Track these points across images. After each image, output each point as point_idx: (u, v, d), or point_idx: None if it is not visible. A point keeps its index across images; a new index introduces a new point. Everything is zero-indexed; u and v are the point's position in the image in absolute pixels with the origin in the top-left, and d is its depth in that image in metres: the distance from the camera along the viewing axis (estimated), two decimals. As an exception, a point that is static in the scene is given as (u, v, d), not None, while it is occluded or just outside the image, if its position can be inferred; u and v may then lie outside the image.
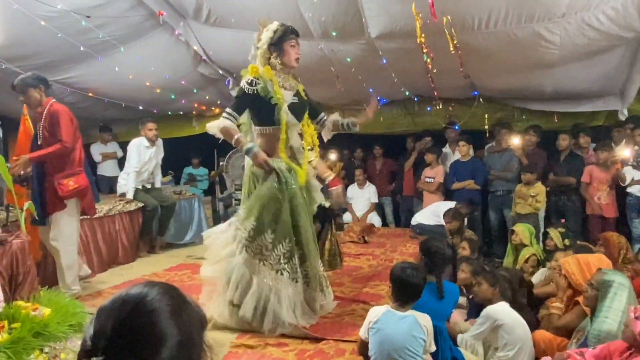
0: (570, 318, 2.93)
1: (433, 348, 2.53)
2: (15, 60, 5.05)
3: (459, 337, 3.09)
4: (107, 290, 3.97)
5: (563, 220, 5.08)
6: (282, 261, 3.00)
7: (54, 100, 3.83)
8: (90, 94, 6.08)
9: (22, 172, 3.57)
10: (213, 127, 3.02)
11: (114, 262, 4.88)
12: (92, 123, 7.38)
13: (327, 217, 4.01)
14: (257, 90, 3.04)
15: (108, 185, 6.91)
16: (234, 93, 6.45)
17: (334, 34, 4.46)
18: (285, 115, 3.12)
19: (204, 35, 5.39)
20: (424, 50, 4.26)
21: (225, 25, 4.91)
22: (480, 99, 6.21)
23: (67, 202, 3.67)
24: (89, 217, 4.49)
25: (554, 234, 4.58)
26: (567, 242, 4.54)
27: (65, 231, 3.70)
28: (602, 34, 4.10)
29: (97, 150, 7.22)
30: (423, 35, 4.10)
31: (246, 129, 3.30)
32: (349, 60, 4.86)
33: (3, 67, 4.98)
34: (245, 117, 3.23)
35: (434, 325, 2.52)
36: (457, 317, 3.48)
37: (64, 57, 5.33)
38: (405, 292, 2.52)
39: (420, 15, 3.91)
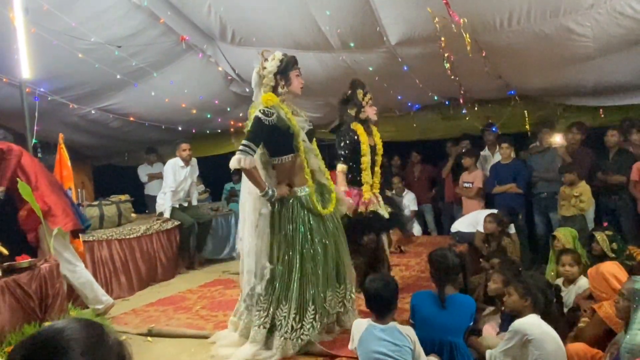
0: (589, 329, 2.74)
1: (423, 358, 2.46)
2: (59, 92, 5.41)
3: (487, 352, 2.94)
4: (142, 308, 4.11)
5: (606, 224, 4.73)
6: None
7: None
8: (131, 119, 6.39)
9: None
10: (234, 164, 2.94)
11: (153, 280, 5.06)
12: (138, 146, 7.76)
13: (383, 228, 4.05)
14: (273, 120, 2.98)
15: (155, 204, 7.21)
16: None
17: (351, 45, 4.43)
18: (302, 142, 3.11)
19: (231, 55, 5.53)
20: (445, 55, 4.14)
21: (248, 44, 5.01)
22: (518, 99, 5.96)
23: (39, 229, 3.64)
24: (127, 237, 4.70)
25: (600, 237, 4.26)
26: (614, 246, 4.23)
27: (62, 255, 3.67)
28: (638, 22, 3.81)
29: (143, 172, 7.55)
30: (443, 39, 4.01)
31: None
32: (370, 69, 4.81)
33: (49, 99, 5.34)
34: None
35: (448, 340, 2.42)
36: (489, 331, 3.32)
37: (103, 86, 5.65)
38: (378, 305, 2.49)
39: (436, 19, 3.82)
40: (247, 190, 3.16)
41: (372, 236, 3.86)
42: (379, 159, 4.08)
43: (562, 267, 3.67)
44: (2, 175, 3.58)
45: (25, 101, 4.11)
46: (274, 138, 3.04)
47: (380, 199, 4.08)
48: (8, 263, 2.92)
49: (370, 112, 3.99)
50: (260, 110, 2.99)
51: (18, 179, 3.42)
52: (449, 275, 2.85)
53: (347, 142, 3.89)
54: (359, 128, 3.93)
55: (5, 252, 3.12)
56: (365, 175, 3.92)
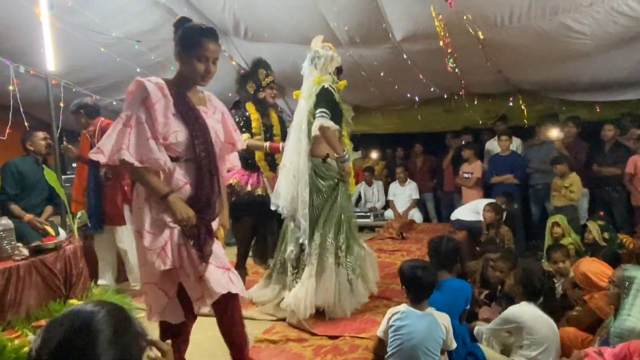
0: (580, 317, 2.77)
1: (454, 346, 2.43)
2: (82, 83, 5.43)
3: (476, 328, 2.96)
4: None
5: (602, 214, 4.70)
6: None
7: (103, 118, 4.06)
8: (150, 110, 6.40)
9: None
10: (319, 126, 3.12)
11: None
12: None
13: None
14: (337, 95, 3.26)
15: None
16: (277, 102, 6.57)
17: (358, 40, 4.40)
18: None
19: (244, 49, 5.51)
20: (449, 51, 4.10)
21: (260, 39, 4.99)
22: (520, 93, 5.90)
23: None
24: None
25: (593, 227, 4.26)
26: (606, 235, 4.21)
27: (127, 233, 3.86)
28: (634, 19, 3.75)
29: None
30: (447, 35, 3.97)
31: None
32: (376, 64, 4.77)
33: (74, 90, 5.36)
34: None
35: None
36: (487, 314, 3.33)
37: (124, 79, 5.64)
38: (419, 290, 2.44)
39: (440, 16, 3.78)
40: (299, 152, 3.28)
41: (249, 219, 3.74)
42: (277, 139, 3.90)
43: (555, 264, 3.62)
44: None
45: (51, 92, 4.13)
46: (335, 110, 3.24)
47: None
48: (35, 244, 2.96)
49: (269, 94, 3.85)
50: (330, 85, 3.24)
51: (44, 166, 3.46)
52: (442, 261, 2.85)
53: (241, 124, 3.74)
54: (250, 107, 3.81)
55: (52, 232, 3.19)
56: (258, 154, 3.81)
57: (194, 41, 1.95)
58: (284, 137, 3.83)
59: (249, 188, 3.74)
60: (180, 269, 1.97)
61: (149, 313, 2.10)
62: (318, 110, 3.16)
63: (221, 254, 2.05)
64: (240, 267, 3.84)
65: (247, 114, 3.79)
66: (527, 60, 4.71)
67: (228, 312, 2.15)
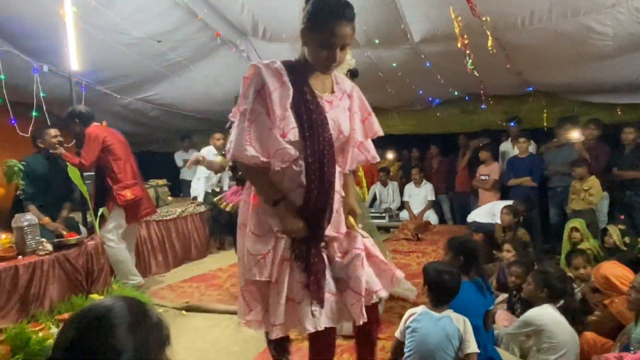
0: (600, 323, 2.72)
1: (475, 349, 2.33)
2: (104, 82, 5.52)
3: (496, 332, 2.92)
4: (177, 284, 4.21)
5: (622, 217, 4.62)
6: None
7: (97, 124, 4.07)
8: (169, 109, 6.48)
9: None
10: None
11: (187, 259, 5.16)
12: (173, 134, 7.88)
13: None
14: None
15: (189, 189, 7.33)
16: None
17: (376, 41, 4.39)
18: None
19: (262, 50, 5.54)
20: (467, 52, 4.07)
21: (278, 40, 5.02)
22: (539, 94, 5.83)
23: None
24: (164, 219, 4.80)
25: (614, 230, 4.19)
26: (627, 239, 4.14)
27: (107, 227, 3.82)
28: (659, 21, 3.68)
29: (179, 157, 7.67)
30: (466, 37, 3.94)
31: None
32: (394, 65, 4.76)
33: (96, 88, 5.46)
34: None
35: (472, 323, 2.37)
36: (503, 317, 3.29)
37: (144, 78, 5.74)
38: (442, 295, 2.41)
39: (459, 18, 3.75)
40: None
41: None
42: None
43: (576, 270, 3.56)
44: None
45: (74, 91, 4.21)
46: None
47: None
48: (58, 240, 3.02)
49: None
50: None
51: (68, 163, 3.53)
52: (463, 262, 2.81)
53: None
54: None
55: (65, 233, 3.24)
56: None
57: (319, 21, 1.57)
58: None
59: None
60: (275, 284, 1.74)
61: (244, 316, 1.86)
62: None
63: (356, 275, 1.75)
64: None
65: None
66: (547, 61, 4.65)
67: (368, 345, 1.97)
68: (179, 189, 7.30)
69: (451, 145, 7.01)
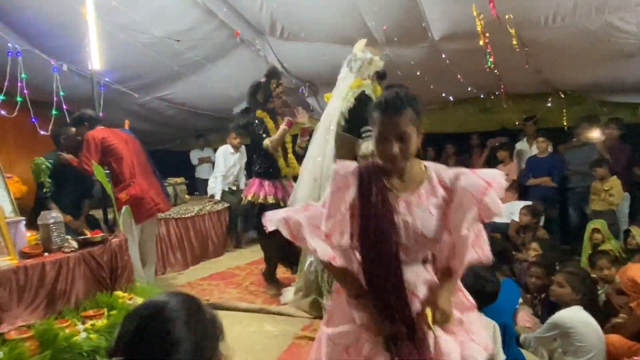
0: (627, 325, 2.66)
1: (502, 357, 2.28)
2: (123, 82, 5.57)
3: (522, 336, 2.89)
4: (196, 281, 4.24)
5: (646, 218, 4.56)
6: None
7: (102, 127, 4.06)
8: (186, 108, 6.52)
9: None
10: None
11: (204, 257, 5.20)
12: (189, 132, 7.93)
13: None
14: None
15: (204, 187, 7.37)
16: (310, 101, 6.60)
17: (396, 39, 4.37)
18: None
19: (279, 49, 5.55)
20: (488, 50, 4.03)
21: (296, 39, 5.02)
22: (559, 93, 5.76)
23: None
24: (182, 216, 4.83)
25: (637, 232, 4.14)
26: (650, 241, 4.08)
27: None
28: (685, 19, 3.62)
29: (195, 156, 7.71)
30: (487, 34, 3.90)
31: None
32: (412, 63, 4.74)
33: (113, 87, 5.50)
34: None
35: (502, 322, 2.34)
36: (524, 318, 3.26)
37: (162, 77, 5.78)
38: (477, 300, 2.38)
39: (481, 16, 3.72)
40: (323, 154, 3.27)
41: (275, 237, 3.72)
42: (288, 146, 4.01)
43: (600, 271, 3.51)
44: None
45: (96, 90, 4.24)
46: None
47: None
48: (83, 237, 3.05)
49: (277, 103, 3.94)
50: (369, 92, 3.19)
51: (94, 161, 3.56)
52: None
53: (261, 131, 3.83)
54: (265, 116, 3.88)
55: (88, 233, 3.28)
56: (281, 162, 3.87)
57: (372, 115, 1.53)
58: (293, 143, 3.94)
59: (270, 200, 3.78)
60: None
61: None
62: (366, 129, 3.00)
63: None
64: (272, 280, 3.92)
65: (264, 120, 3.85)
66: (568, 60, 4.60)
67: None
68: (194, 187, 7.34)
69: (467, 145, 6.96)
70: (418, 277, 1.57)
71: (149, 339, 0.92)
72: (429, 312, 1.51)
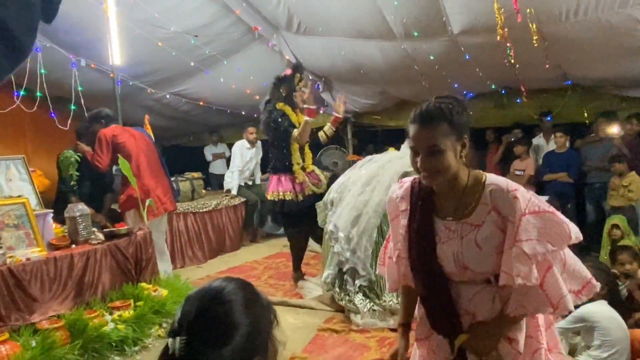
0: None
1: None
2: (139, 77, 5.62)
3: None
4: (214, 274, 4.29)
5: (667, 214, 4.53)
6: None
7: (115, 125, 4.09)
8: (201, 103, 6.56)
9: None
10: None
11: (221, 250, 5.25)
12: (203, 128, 7.97)
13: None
14: None
15: (218, 182, 7.42)
16: (324, 96, 6.61)
17: (415, 34, 4.37)
18: None
19: (295, 44, 5.56)
20: (507, 44, 4.02)
21: (313, 33, 5.03)
22: (577, 88, 5.72)
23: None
24: (200, 211, 4.87)
25: (657, 228, 4.12)
26: (671, 237, 4.06)
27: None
28: None
29: (209, 151, 7.76)
30: (506, 29, 3.89)
31: None
32: (432, 58, 4.73)
33: (130, 83, 5.56)
34: None
35: None
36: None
37: (178, 73, 5.82)
38: None
39: (502, 10, 3.71)
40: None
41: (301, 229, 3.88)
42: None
43: (621, 266, 3.50)
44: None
45: (116, 85, 4.29)
46: None
47: (318, 174, 4.09)
48: (109, 230, 3.11)
49: (299, 97, 3.98)
50: None
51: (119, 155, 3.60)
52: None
53: (286, 123, 3.86)
54: (287, 109, 3.93)
55: (113, 226, 3.33)
56: (296, 158, 3.91)
57: (407, 128, 1.45)
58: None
59: (288, 196, 3.83)
60: None
61: None
62: None
63: None
64: (297, 270, 3.97)
65: (280, 118, 3.92)
66: (589, 55, 4.56)
67: None
68: (208, 182, 7.40)
69: (483, 140, 6.93)
70: (476, 297, 1.45)
71: (211, 320, 0.95)
72: (463, 336, 1.43)
